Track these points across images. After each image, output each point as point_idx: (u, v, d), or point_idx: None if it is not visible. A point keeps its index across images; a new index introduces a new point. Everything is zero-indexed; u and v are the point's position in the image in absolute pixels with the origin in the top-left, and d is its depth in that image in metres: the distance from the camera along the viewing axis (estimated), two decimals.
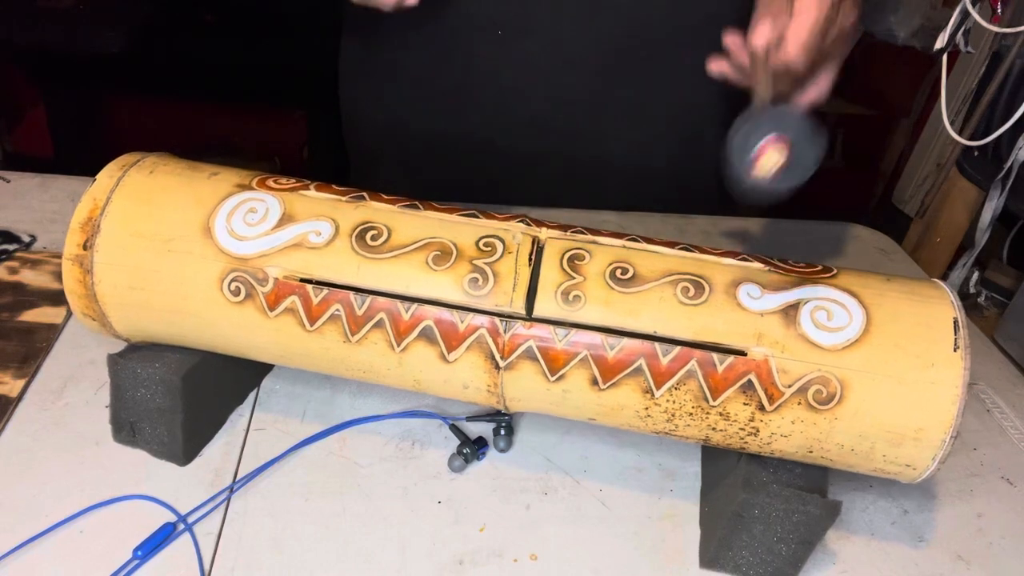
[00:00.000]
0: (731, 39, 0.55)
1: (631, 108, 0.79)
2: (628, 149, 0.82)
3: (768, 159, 0.42)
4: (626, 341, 0.45)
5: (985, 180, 0.97)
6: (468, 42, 0.75)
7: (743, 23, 0.79)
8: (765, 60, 0.51)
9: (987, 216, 0.92)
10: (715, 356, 0.45)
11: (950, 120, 0.85)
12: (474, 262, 0.46)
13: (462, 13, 0.73)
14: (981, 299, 0.99)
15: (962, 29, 0.80)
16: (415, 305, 0.46)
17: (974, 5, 0.78)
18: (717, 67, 0.58)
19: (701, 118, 0.82)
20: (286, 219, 0.48)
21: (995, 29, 0.82)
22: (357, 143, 0.94)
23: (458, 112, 0.81)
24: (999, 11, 0.87)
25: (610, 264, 0.47)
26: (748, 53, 0.53)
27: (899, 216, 1.64)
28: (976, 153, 1.04)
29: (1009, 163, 0.89)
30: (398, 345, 0.47)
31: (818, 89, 0.58)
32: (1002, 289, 0.99)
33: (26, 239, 0.71)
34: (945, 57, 0.83)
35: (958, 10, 0.79)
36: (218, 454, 0.53)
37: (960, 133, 1.01)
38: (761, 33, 0.52)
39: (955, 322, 0.45)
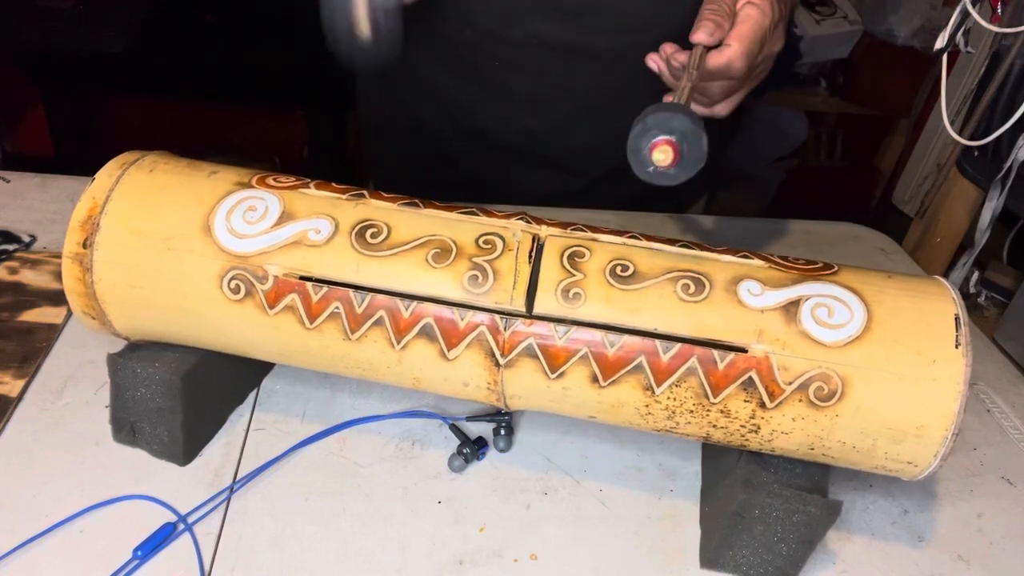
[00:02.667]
0: (668, 46, 0.57)
1: (635, 111, 0.80)
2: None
3: (658, 158, 0.46)
4: (626, 338, 0.45)
5: (985, 180, 0.97)
6: (480, 47, 0.76)
7: None
8: (697, 62, 0.53)
9: (987, 216, 0.92)
10: (716, 353, 0.44)
11: (950, 120, 0.85)
12: (474, 260, 0.46)
13: (479, 22, 0.74)
14: (981, 299, 0.99)
15: (962, 29, 0.80)
16: (415, 303, 0.46)
17: (974, 5, 0.78)
18: (653, 61, 0.59)
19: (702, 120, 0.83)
20: (286, 217, 0.48)
21: (995, 29, 0.82)
22: (372, 141, 0.95)
23: (469, 114, 0.81)
24: (999, 11, 0.87)
25: (610, 261, 0.47)
26: (679, 61, 0.55)
27: (899, 216, 1.64)
28: (976, 153, 1.04)
29: (1009, 163, 0.89)
30: (398, 343, 0.47)
31: (726, 107, 0.60)
32: (1002, 289, 0.99)
33: (26, 239, 0.71)
34: (945, 57, 0.83)
35: (958, 10, 0.79)
36: (218, 454, 0.53)
37: (960, 133, 1.01)
38: (705, 30, 0.53)
39: (956, 319, 0.45)
